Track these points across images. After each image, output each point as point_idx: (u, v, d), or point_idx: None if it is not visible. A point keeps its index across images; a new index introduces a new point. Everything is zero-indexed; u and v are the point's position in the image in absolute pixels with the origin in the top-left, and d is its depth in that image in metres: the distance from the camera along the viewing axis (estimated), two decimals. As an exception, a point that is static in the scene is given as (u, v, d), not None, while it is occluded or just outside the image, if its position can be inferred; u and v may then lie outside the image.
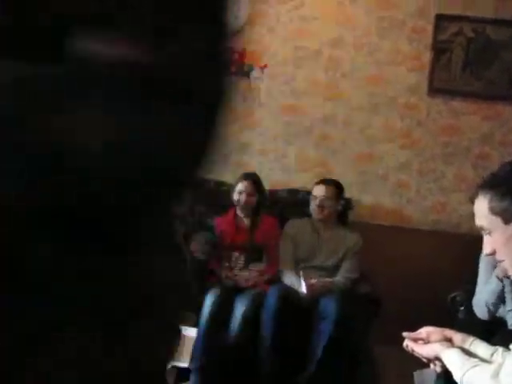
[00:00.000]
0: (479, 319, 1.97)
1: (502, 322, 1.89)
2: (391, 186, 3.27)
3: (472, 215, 1.51)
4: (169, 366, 1.38)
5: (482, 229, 1.47)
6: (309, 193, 2.86)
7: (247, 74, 3.35)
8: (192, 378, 2.19)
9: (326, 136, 3.31)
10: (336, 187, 2.76)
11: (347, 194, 2.94)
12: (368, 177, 3.28)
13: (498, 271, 1.72)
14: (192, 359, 1.63)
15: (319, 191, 2.73)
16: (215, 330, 2.25)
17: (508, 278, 1.64)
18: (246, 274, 2.63)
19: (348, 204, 2.99)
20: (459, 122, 3.21)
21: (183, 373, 1.52)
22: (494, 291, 1.86)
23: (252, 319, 2.32)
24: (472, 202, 1.50)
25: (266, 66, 3.35)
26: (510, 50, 3.15)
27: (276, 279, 2.63)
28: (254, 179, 2.81)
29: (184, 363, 1.51)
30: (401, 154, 3.26)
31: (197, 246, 2.55)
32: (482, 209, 1.45)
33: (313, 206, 2.73)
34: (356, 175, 3.28)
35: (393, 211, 3.27)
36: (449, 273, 2.88)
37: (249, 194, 2.75)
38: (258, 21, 3.35)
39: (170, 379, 1.48)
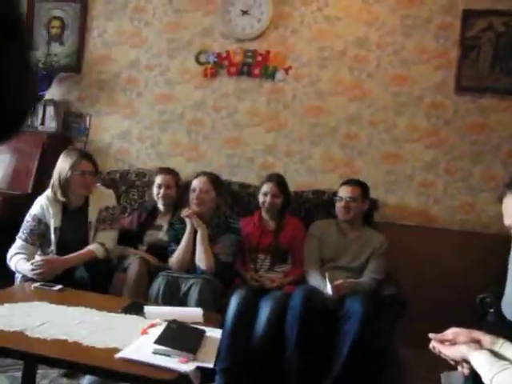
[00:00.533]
0: (509, 321, 1.93)
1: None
2: (417, 186, 3.23)
3: (501, 215, 1.49)
4: (194, 367, 1.40)
5: (510, 228, 1.45)
6: (334, 194, 2.85)
7: (272, 77, 3.38)
8: (217, 378, 2.22)
9: (352, 136, 3.30)
10: (362, 188, 2.75)
11: (373, 195, 2.92)
12: (394, 177, 3.26)
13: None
14: (217, 360, 1.64)
15: (345, 192, 2.72)
16: (240, 331, 2.26)
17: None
18: (272, 275, 2.64)
19: (374, 204, 2.97)
20: (488, 120, 3.14)
21: (208, 374, 1.54)
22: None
23: (277, 320, 2.32)
24: (500, 201, 1.48)
25: (290, 67, 3.36)
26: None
27: (301, 280, 2.63)
28: (278, 181, 2.81)
29: (209, 364, 1.53)
30: (427, 153, 3.22)
31: (222, 248, 2.56)
32: (510, 207, 1.42)
33: (338, 206, 2.72)
34: (382, 175, 3.26)
35: (419, 211, 3.22)
36: (477, 274, 2.83)
37: (274, 196, 2.76)
38: (281, 23, 3.37)
39: (196, 380, 1.50)
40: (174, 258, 2.58)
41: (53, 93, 3.72)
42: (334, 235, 2.73)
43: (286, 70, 3.37)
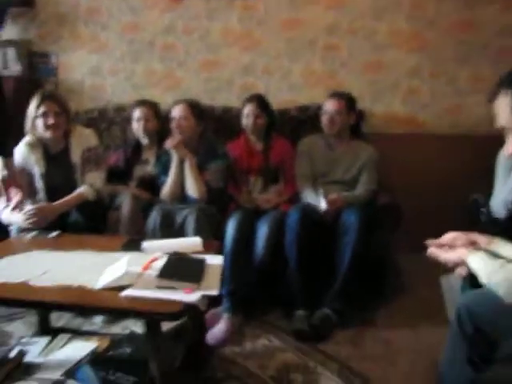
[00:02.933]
0: (499, 219, 1.96)
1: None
2: (403, 93, 3.17)
3: (489, 116, 1.46)
4: (199, 296, 1.43)
5: (502, 128, 1.43)
6: (319, 108, 2.79)
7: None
8: (224, 302, 2.28)
9: (332, 47, 3.19)
10: (347, 100, 2.68)
11: (359, 106, 2.85)
12: (379, 85, 3.19)
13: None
14: (222, 285, 1.68)
15: (329, 105, 2.66)
16: (241, 254, 2.29)
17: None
18: (266, 196, 2.64)
19: (361, 116, 2.92)
20: (474, 16, 3.02)
21: (214, 299, 1.58)
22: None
23: (276, 240, 2.35)
24: (491, 101, 1.44)
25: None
26: None
27: (295, 199, 2.64)
28: (259, 101, 2.75)
29: (214, 291, 1.56)
30: (411, 58, 3.12)
31: (211, 175, 2.54)
32: (503, 108, 1.39)
33: (324, 120, 2.68)
34: (366, 85, 3.19)
35: (407, 119, 3.19)
36: (467, 175, 2.86)
37: (256, 117, 2.70)
38: None
39: (203, 307, 1.53)
40: (165, 191, 2.56)
41: (9, 32, 3.48)
42: (323, 150, 2.71)
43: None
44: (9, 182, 2.26)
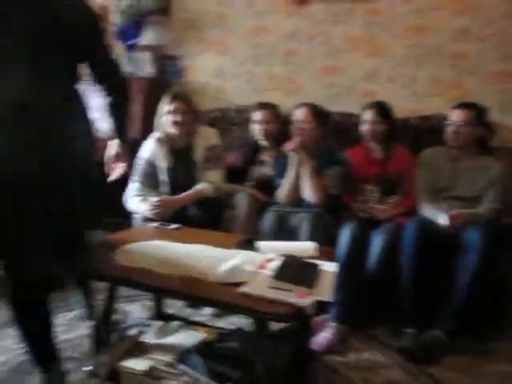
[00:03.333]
0: None
1: None
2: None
3: None
4: (312, 301, 1.42)
5: None
6: (444, 118, 2.65)
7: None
8: (332, 310, 2.26)
9: (461, 54, 3.01)
10: (475, 111, 2.51)
11: (488, 118, 2.66)
12: (509, 96, 2.94)
13: None
14: (332, 293, 1.65)
15: (456, 116, 2.51)
16: (353, 264, 2.25)
17: None
18: (382, 206, 2.56)
19: (489, 128, 2.71)
20: None
21: (322, 306, 1.56)
22: None
23: (390, 252, 2.27)
24: None
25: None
26: None
27: (412, 212, 2.53)
28: (378, 107, 2.67)
29: (326, 298, 1.54)
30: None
31: (329, 181, 2.52)
32: None
33: (448, 132, 2.53)
34: (495, 94, 2.95)
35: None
36: None
37: (374, 123, 2.63)
38: None
39: (311, 312, 1.53)
40: (281, 193, 2.59)
41: (146, 38, 3.76)
42: (447, 163, 2.56)
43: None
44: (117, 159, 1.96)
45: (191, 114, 2.58)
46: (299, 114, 2.62)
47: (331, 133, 2.82)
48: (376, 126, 2.64)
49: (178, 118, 2.54)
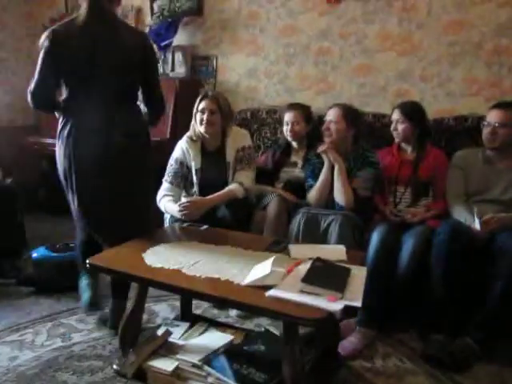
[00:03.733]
0: None
1: None
2: None
3: None
4: (342, 306, 1.40)
5: None
6: (480, 119, 2.57)
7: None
8: (360, 315, 2.23)
9: (501, 51, 2.90)
10: (514, 111, 2.42)
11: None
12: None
13: None
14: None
15: (493, 116, 2.42)
16: (383, 268, 2.21)
17: None
18: (413, 209, 2.51)
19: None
20: None
21: (350, 310, 1.54)
22: None
23: (421, 257, 2.22)
24: None
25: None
26: None
27: (444, 215, 2.47)
28: (406, 107, 2.62)
29: (357, 303, 1.52)
30: None
31: (360, 183, 2.48)
32: None
33: (485, 133, 2.45)
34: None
35: None
36: None
37: (402, 123, 2.59)
38: None
39: (338, 316, 1.51)
40: (312, 194, 2.58)
41: (179, 38, 3.81)
42: (481, 165, 2.48)
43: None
44: None
45: (221, 114, 2.58)
46: (331, 115, 2.60)
47: (363, 134, 2.78)
48: (400, 126, 2.59)
49: (206, 117, 2.55)
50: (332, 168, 2.53)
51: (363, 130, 2.76)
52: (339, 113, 2.57)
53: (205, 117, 2.55)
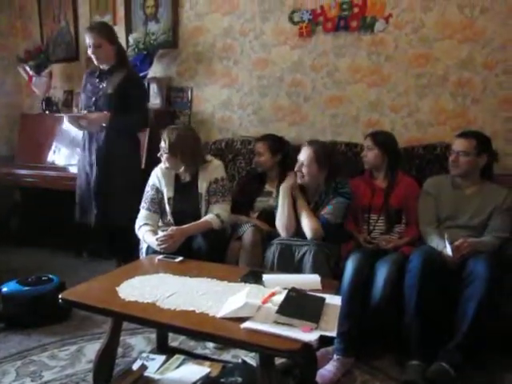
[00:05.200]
0: None
1: None
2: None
3: None
4: (317, 336, 1.41)
5: None
6: (448, 147, 2.66)
7: (371, 28, 3.20)
8: (335, 343, 2.23)
9: (464, 84, 3.03)
10: (478, 140, 2.50)
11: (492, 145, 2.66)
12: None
13: None
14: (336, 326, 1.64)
15: (457, 145, 2.51)
16: (357, 295, 2.23)
17: None
18: (386, 236, 2.56)
19: (493, 157, 2.71)
20: None
21: (325, 338, 1.55)
22: None
23: (395, 283, 2.25)
24: None
25: (390, 15, 3.15)
26: None
27: (418, 241, 2.52)
28: (377, 135, 2.71)
29: (332, 333, 1.53)
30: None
31: (330, 211, 2.50)
32: None
33: (450, 161, 2.54)
34: (500, 123, 2.97)
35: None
36: None
37: (371, 150, 2.66)
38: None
39: (315, 346, 1.52)
40: (278, 225, 2.58)
41: (154, 70, 3.86)
42: (450, 192, 2.56)
43: (386, 19, 3.16)
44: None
45: (177, 155, 2.56)
46: (303, 156, 2.59)
47: (337, 167, 2.81)
48: (370, 153, 2.67)
49: (164, 158, 2.59)
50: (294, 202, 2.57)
51: (338, 163, 2.77)
52: (311, 156, 2.55)
53: (163, 157, 2.59)
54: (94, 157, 3.03)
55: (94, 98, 3.02)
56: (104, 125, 2.96)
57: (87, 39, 2.98)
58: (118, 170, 3.00)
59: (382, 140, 2.69)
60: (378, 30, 3.19)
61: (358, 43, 3.26)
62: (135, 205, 2.69)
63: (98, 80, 3.05)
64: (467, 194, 2.53)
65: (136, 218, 2.64)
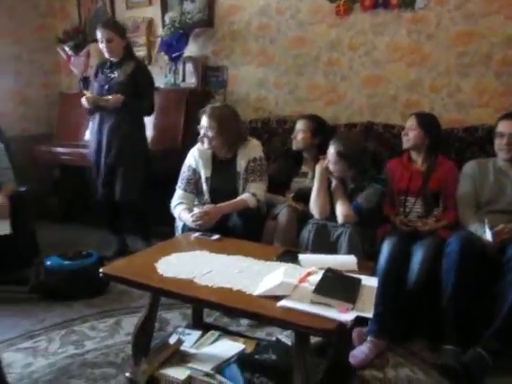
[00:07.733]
0: None
1: None
2: None
3: None
4: (354, 317, 1.41)
5: None
6: (490, 129, 2.57)
7: (411, 5, 3.10)
8: (371, 324, 2.22)
9: (508, 62, 2.90)
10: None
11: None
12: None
13: None
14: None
15: (506, 127, 2.42)
16: (393, 278, 2.21)
17: None
18: (423, 219, 2.51)
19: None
20: None
21: (361, 319, 1.54)
22: None
23: (431, 267, 2.22)
24: None
25: (433, -9, 3.04)
26: None
27: (456, 225, 2.47)
28: (422, 115, 2.66)
29: (368, 314, 1.53)
30: None
31: (364, 196, 2.44)
32: None
33: (499, 144, 2.45)
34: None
35: None
36: None
37: (414, 130, 2.61)
38: None
39: (350, 325, 1.51)
40: (312, 208, 2.55)
41: (190, 49, 3.86)
42: (492, 176, 2.49)
43: (429, -5, 3.05)
44: None
45: (219, 133, 2.56)
46: (329, 153, 2.52)
47: (373, 144, 2.77)
48: (412, 132, 2.61)
49: (204, 134, 2.59)
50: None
51: (373, 140, 2.70)
52: (336, 157, 2.48)
53: (205, 135, 2.58)
54: (104, 137, 3.30)
55: (107, 86, 3.30)
56: (117, 106, 3.21)
57: (99, 34, 3.25)
58: (128, 149, 3.26)
59: (426, 121, 2.64)
60: (419, 6, 3.09)
61: (397, 21, 3.17)
62: (139, 183, 3.26)
63: (109, 70, 3.34)
64: (510, 179, 2.46)
65: (140, 195, 3.19)
